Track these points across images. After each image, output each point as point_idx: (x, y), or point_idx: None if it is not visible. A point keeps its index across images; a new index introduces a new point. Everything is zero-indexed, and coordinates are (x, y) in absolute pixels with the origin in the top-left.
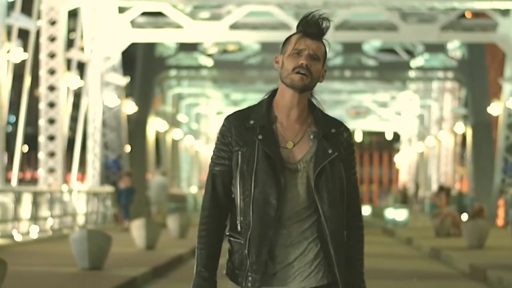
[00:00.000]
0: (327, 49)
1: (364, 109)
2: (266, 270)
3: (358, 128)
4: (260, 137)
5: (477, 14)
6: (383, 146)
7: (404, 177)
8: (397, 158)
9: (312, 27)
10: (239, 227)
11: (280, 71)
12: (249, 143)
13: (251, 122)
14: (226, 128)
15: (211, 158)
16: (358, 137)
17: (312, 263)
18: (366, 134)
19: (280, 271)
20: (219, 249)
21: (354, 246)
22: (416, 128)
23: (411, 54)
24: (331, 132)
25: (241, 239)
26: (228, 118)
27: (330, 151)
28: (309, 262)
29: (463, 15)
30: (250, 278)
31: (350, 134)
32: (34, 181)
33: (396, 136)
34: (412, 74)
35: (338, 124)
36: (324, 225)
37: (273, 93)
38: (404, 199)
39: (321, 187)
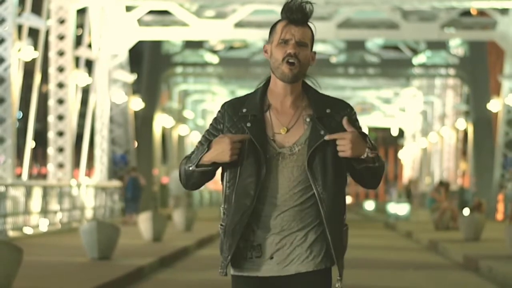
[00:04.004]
0: (314, 31)
1: (369, 105)
2: (259, 254)
3: (364, 124)
4: (248, 125)
5: (481, 11)
6: (389, 142)
7: (408, 172)
8: (401, 154)
9: (295, 13)
10: (222, 214)
11: (269, 61)
12: (240, 131)
13: (244, 110)
14: (221, 115)
15: (200, 139)
16: None
17: (311, 247)
18: (372, 130)
19: (277, 254)
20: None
21: None
22: (420, 124)
23: (414, 51)
24: (325, 112)
25: (223, 226)
26: (223, 106)
27: (322, 133)
28: (308, 246)
29: (465, 13)
30: (222, 264)
31: (350, 111)
32: (41, 176)
33: (401, 132)
34: (415, 71)
35: (335, 104)
36: (320, 207)
37: (268, 80)
38: (408, 194)
39: (315, 169)
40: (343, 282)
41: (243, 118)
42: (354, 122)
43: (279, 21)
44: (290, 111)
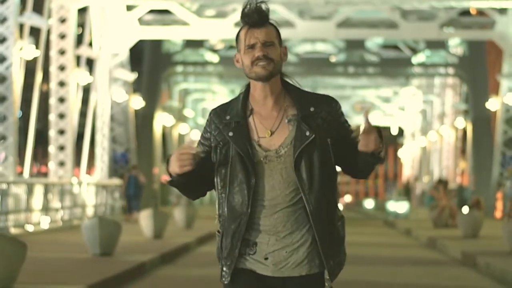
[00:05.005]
0: (277, 27)
1: (369, 104)
2: (254, 254)
3: (363, 123)
4: (230, 134)
5: (480, 11)
6: (388, 141)
7: (408, 171)
8: (400, 153)
9: (252, 16)
10: (217, 220)
11: (243, 69)
12: (226, 139)
13: (228, 117)
14: (208, 123)
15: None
16: None
17: (307, 251)
18: None
19: (272, 255)
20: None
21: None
22: (419, 123)
23: (413, 50)
24: (309, 111)
25: (219, 232)
26: (210, 113)
27: (307, 134)
28: (304, 251)
29: (464, 13)
30: (223, 273)
31: (334, 106)
32: (40, 175)
33: (400, 131)
34: (414, 70)
35: (318, 100)
36: (306, 208)
37: (249, 86)
38: (407, 192)
39: (301, 170)
40: (335, 280)
41: (227, 126)
42: (340, 116)
43: (241, 28)
44: (273, 113)
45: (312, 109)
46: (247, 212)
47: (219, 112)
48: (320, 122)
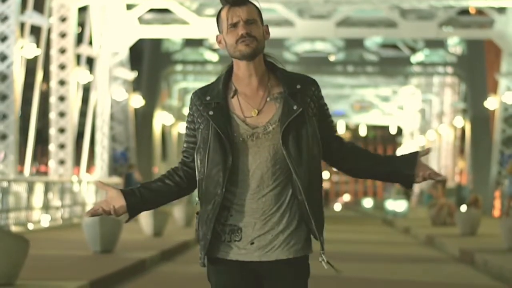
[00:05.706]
0: (258, 5)
1: (368, 103)
2: (240, 239)
3: (362, 122)
4: (210, 113)
5: (479, 10)
6: (387, 140)
7: None
8: (399, 152)
9: None
10: (198, 203)
11: (227, 50)
12: (206, 120)
13: (208, 98)
14: (190, 106)
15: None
16: (362, 131)
17: (292, 233)
18: (370, 128)
19: (258, 240)
20: (155, 191)
21: (362, 152)
22: (418, 122)
23: (412, 49)
24: (296, 88)
25: (198, 214)
26: (191, 96)
27: (295, 107)
28: (290, 233)
29: (463, 12)
30: (200, 255)
31: (317, 86)
32: (39, 174)
33: (399, 130)
34: (413, 69)
35: (303, 79)
36: (296, 182)
37: (231, 67)
38: (405, 191)
39: (289, 144)
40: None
41: (207, 106)
42: (321, 98)
43: (221, 8)
44: (259, 92)
45: (298, 86)
46: (221, 194)
47: (199, 94)
48: (307, 99)
